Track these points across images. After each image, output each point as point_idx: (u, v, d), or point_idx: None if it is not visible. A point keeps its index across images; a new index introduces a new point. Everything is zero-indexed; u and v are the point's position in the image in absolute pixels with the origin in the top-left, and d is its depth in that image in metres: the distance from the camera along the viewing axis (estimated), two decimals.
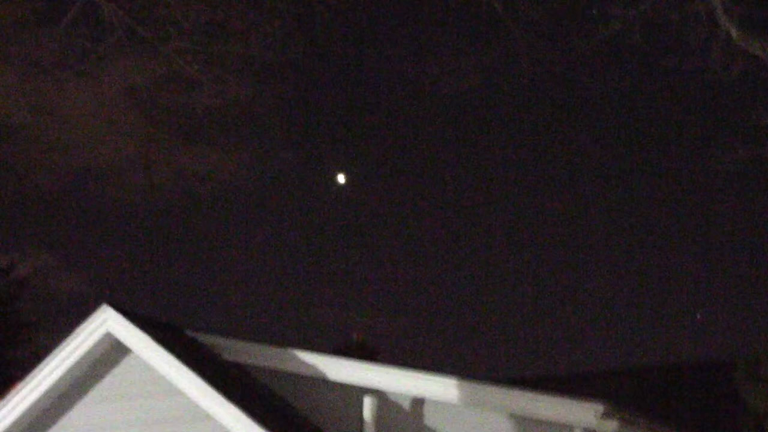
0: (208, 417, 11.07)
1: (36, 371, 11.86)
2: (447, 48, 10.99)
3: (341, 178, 13.98)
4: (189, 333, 12.82)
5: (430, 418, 11.32)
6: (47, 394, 11.88)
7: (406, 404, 11.45)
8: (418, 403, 11.39)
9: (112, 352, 11.94)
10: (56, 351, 11.86)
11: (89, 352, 11.88)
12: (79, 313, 12.02)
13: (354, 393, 11.60)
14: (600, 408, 10.22)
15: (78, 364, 11.87)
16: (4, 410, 11.83)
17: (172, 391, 11.44)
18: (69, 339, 11.85)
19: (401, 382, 11.51)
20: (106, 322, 11.86)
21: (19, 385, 11.88)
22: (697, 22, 9.99)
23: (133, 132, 11.08)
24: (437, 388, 11.28)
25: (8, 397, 11.90)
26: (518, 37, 10.20)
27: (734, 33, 9.75)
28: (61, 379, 11.86)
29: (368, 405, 11.37)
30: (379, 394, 11.48)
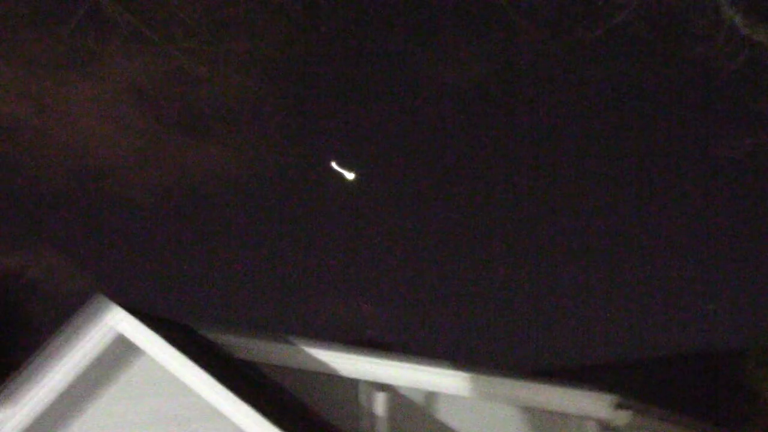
0: (220, 416, 11.04)
1: (46, 372, 11.83)
2: (450, 37, 10.96)
3: (349, 174, 13.90)
4: (199, 331, 12.80)
5: (443, 412, 11.29)
6: (57, 396, 11.85)
7: (418, 399, 11.42)
8: (431, 397, 11.37)
9: (124, 352, 11.90)
10: (66, 352, 11.82)
11: (99, 353, 11.85)
12: (89, 314, 11.96)
13: (366, 389, 11.57)
14: (613, 399, 10.19)
15: (89, 365, 11.84)
16: (14, 412, 11.81)
17: (184, 390, 11.40)
18: (80, 340, 11.82)
19: (413, 377, 11.47)
20: (117, 323, 11.82)
21: (30, 387, 11.86)
22: (701, 11, 9.93)
23: (137, 130, 11.07)
24: (450, 383, 11.25)
25: (19, 399, 11.88)
26: (521, 26, 10.14)
27: (739, 21, 9.70)
28: (73, 380, 11.83)
29: (381, 400, 11.35)
30: (391, 390, 11.46)
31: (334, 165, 13.34)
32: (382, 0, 10.43)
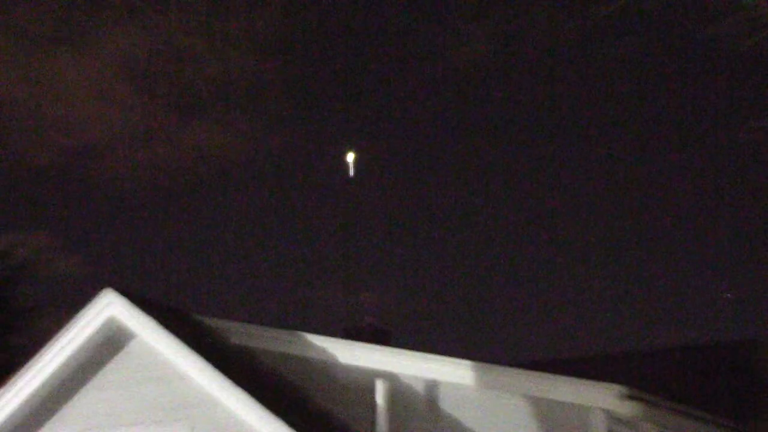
0: (215, 402, 10.76)
1: (38, 357, 11.57)
2: (456, 14, 10.58)
3: (350, 158, 13.56)
4: (195, 316, 12.52)
5: (444, 401, 10.98)
6: (50, 381, 11.59)
7: (419, 387, 11.11)
8: (432, 386, 11.05)
9: (116, 337, 11.64)
10: (58, 336, 11.56)
11: (92, 338, 11.60)
12: (81, 296, 11.73)
13: (366, 376, 11.27)
14: (621, 390, 9.86)
15: (81, 349, 11.58)
16: (7, 397, 11.54)
17: (179, 376, 11.15)
18: (71, 324, 11.55)
19: (414, 365, 11.19)
20: (109, 306, 11.57)
21: (22, 372, 11.58)
22: None
23: (131, 107, 10.72)
24: (452, 371, 10.96)
25: (10, 383, 11.60)
26: (527, 2, 9.84)
27: None
28: (64, 365, 11.57)
29: (380, 389, 11.03)
30: (391, 378, 11.15)
31: (349, 158, 12.98)
32: None
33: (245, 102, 11.19)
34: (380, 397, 11.01)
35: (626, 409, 9.99)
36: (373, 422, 10.99)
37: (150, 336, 11.35)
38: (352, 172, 13.56)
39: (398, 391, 11.10)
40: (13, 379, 11.61)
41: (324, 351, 11.65)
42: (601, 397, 10.04)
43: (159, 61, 10.38)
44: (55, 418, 11.66)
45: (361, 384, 11.29)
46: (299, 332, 11.92)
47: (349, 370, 11.48)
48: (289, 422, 10.20)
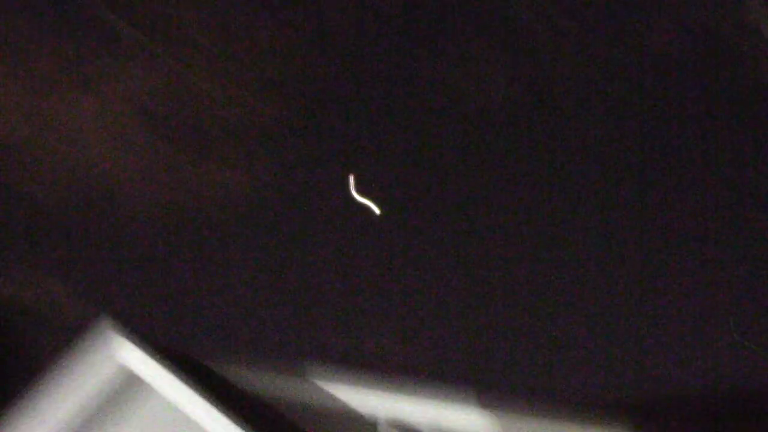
0: None
1: (45, 407, 11.29)
2: (474, 58, 10.47)
3: (375, 208, 13.32)
4: (206, 363, 12.27)
5: None
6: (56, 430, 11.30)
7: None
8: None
9: (126, 385, 11.37)
10: (64, 384, 11.29)
11: (101, 386, 11.32)
12: (89, 342, 11.44)
13: (384, 428, 11.06)
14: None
15: (89, 398, 11.30)
16: None
17: (189, 424, 10.87)
18: (78, 371, 11.28)
19: (419, 410, 10.96)
20: (119, 353, 11.29)
21: (28, 422, 11.31)
22: (741, 31, 9.58)
23: (143, 149, 10.56)
24: (459, 417, 10.73)
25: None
26: (550, 47, 9.73)
27: None
28: (72, 414, 11.28)
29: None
30: (409, 428, 10.94)
31: (355, 195, 12.80)
32: (401, 19, 9.92)
33: (258, 143, 11.04)
34: None
35: None
36: None
37: (161, 384, 11.10)
38: (375, 210, 13.34)
39: None
40: (18, 429, 11.34)
41: (339, 399, 11.43)
42: None
43: (174, 105, 10.24)
44: None
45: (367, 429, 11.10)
46: (313, 379, 11.71)
47: (366, 419, 11.27)
48: None
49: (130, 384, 11.33)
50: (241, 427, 10.49)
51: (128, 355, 11.24)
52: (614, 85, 10.70)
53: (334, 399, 11.42)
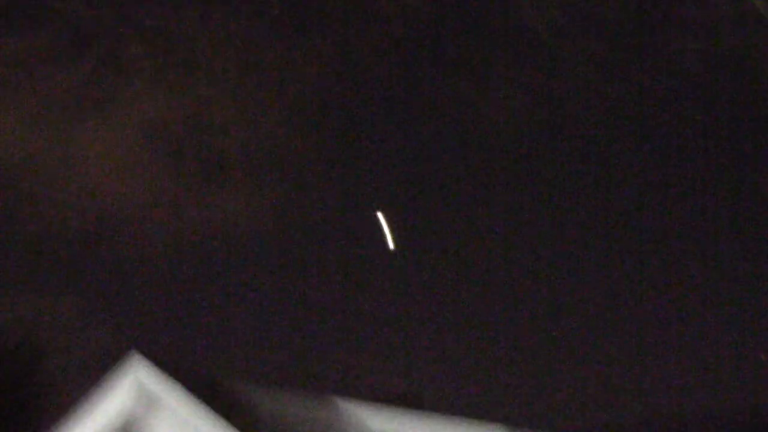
0: None
1: (67, 428, 11.39)
2: (495, 77, 10.56)
3: (390, 241, 13.29)
4: (224, 384, 12.32)
5: None
6: None
7: None
8: None
9: (145, 406, 11.42)
10: (86, 407, 11.38)
11: (121, 408, 11.38)
12: (109, 365, 11.54)
13: None
14: None
15: (110, 420, 11.38)
16: None
17: None
18: (99, 394, 11.36)
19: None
20: (138, 375, 11.36)
21: None
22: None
23: (157, 177, 10.66)
24: None
25: None
26: (571, 67, 9.79)
27: None
28: None
29: None
30: None
31: (379, 216, 12.75)
32: (419, 37, 10.05)
33: (273, 171, 11.13)
34: None
35: None
36: None
37: (180, 405, 11.15)
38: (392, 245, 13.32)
39: None
40: None
41: (355, 418, 11.44)
42: None
43: (185, 130, 10.36)
44: None
45: None
46: (329, 399, 11.74)
47: None
48: None
49: (149, 405, 11.38)
50: None
51: (147, 377, 11.31)
52: (639, 105, 10.74)
53: (359, 420, 11.45)
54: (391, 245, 13.21)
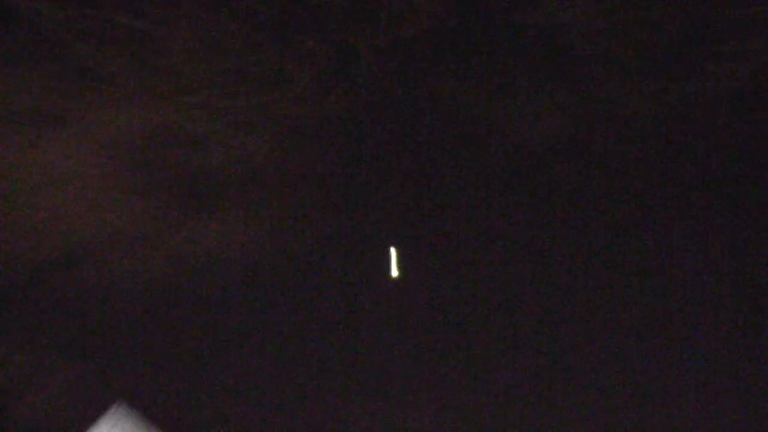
0: None
1: None
2: (522, 88, 9.02)
3: (394, 270, 11.86)
4: None
5: None
6: None
7: None
8: None
9: None
10: None
11: None
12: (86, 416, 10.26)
13: None
14: None
15: None
16: None
17: None
18: None
19: None
20: (120, 425, 10.04)
21: None
22: None
23: (124, 202, 9.05)
24: None
25: None
26: (603, 80, 8.41)
27: None
28: None
29: None
30: None
31: (392, 250, 11.31)
32: (433, 43, 8.45)
33: (259, 193, 9.55)
34: None
35: None
36: None
37: None
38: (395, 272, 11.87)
39: None
40: None
41: None
42: None
43: (157, 147, 8.71)
44: None
45: None
46: None
47: None
48: None
49: None
50: None
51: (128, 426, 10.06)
52: (674, 121, 9.31)
53: None
54: (394, 273, 11.75)
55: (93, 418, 10.58)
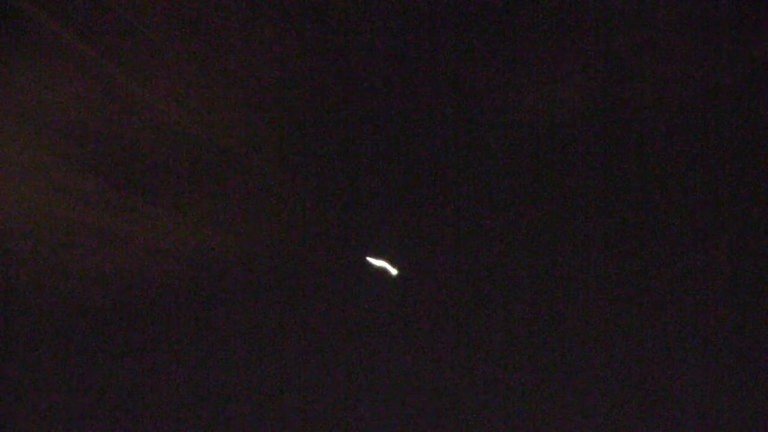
0: None
1: None
2: (542, 69, 7.76)
3: (392, 270, 10.72)
4: None
5: None
6: None
7: None
8: None
9: None
10: None
11: None
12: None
13: None
14: None
15: None
16: None
17: None
18: None
19: None
20: None
21: None
22: None
23: (76, 195, 7.72)
24: None
25: None
26: (631, 59, 7.28)
27: None
28: None
29: None
30: None
31: (370, 259, 10.17)
32: (441, 12, 7.11)
33: (238, 185, 8.22)
34: None
35: None
36: None
37: None
38: (392, 271, 10.75)
39: None
40: None
41: None
42: None
43: (116, 129, 7.31)
44: None
45: None
46: None
47: None
48: None
49: None
50: None
51: None
52: (707, 103, 8.11)
53: None
54: (393, 272, 10.70)
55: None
